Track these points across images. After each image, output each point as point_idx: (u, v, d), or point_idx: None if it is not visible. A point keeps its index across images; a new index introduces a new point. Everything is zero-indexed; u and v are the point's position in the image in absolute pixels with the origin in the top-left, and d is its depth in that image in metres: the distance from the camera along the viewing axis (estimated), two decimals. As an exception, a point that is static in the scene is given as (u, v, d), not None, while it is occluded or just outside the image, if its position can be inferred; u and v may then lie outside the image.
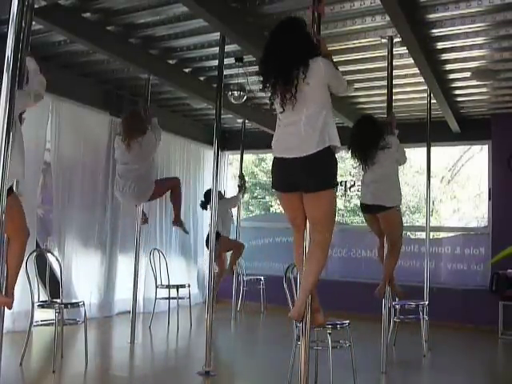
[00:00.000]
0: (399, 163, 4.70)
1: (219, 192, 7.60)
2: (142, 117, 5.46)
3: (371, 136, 4.50)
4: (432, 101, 6.05)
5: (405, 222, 10.22)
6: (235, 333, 6.87)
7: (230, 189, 9.03)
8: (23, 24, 2.37)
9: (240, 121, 7.87)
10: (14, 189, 3.10)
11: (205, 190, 7.38)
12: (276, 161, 2.89)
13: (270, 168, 3.00)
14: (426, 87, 5.86)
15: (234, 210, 7.76)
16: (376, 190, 4.51)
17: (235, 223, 7.81)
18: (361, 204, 4.75)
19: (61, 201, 6.38)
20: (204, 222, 8.63)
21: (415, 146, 7.21)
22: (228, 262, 7.45)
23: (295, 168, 2.78)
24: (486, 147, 7.71)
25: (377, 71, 5.73)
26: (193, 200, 8.63)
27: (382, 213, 4.52)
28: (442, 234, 8.40)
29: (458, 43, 4.98)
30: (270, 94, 2.89)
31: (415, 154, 9.42)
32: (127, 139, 5.24)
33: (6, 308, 2.95)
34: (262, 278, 7.86)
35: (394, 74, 4.98)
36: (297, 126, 2.78)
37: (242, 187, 7.67)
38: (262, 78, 2.92)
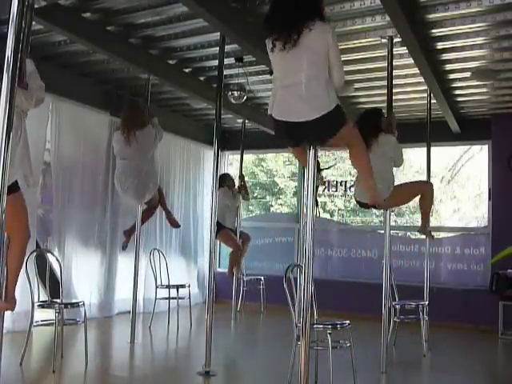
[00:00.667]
0: (396, 165, 4.60)
1: (232, 179, 7.61)
2: (141, 109, 5.43)
3: (367, 129, 4.44)
4: (432, 101, 6.04)
5: (405, 222, 10.31)
6: (235, 333, 6.87)
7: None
8: (23, 24, 2.35)
9: (240, 121, 7.87)
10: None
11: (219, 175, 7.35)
12: (277, 122, 2.83)
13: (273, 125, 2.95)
14: (426, 87, 5.85)
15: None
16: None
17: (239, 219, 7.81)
18: (355, 199, 4.74)
19: (61, 201, 6.37)
20: (204, 221, 8.64)
21: (415, 146, 7.22)
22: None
23: (305, 128, 2.74)
24: (485, 147, 7.70)
25: (377, 71, 5.73)
26: (193, 200, 8.63)
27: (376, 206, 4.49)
28: (442, 234, 8.38)
29: (458, 43, 4.98)
30: (270, 46, 2.81)
31: (415, 154, 9.41)
32: (126, 131, 5.18)
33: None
34: (262, 277, 7.85)
35: (394, 73, 4.97)
36: (297, 87, 2.72)
37: (241, 188, 7.67)
38: (266, 30, 2.85)
